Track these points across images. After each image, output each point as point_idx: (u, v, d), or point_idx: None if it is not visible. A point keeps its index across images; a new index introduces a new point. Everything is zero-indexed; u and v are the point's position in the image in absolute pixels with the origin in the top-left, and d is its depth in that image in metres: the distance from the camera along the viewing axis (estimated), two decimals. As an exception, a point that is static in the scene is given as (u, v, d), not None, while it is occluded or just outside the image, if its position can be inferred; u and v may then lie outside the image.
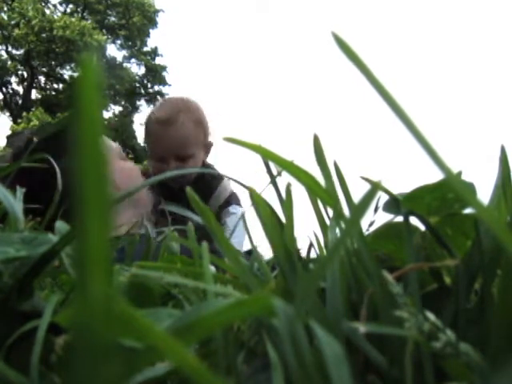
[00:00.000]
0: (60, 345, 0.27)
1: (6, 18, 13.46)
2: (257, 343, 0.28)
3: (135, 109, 16.09)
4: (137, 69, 16.07)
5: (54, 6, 14.67)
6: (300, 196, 0.34)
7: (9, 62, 14.56)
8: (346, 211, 0.31)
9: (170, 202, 1.44)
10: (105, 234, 0.12)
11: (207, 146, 1.53)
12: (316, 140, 0.33)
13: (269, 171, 0.37)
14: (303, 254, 0.40)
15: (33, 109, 13.09)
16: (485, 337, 0.24)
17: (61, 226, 0.37)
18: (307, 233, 0.39)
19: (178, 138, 1.44)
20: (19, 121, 12.72)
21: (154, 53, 16.30)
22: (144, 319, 0.15)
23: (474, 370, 0.20)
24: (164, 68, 16.10)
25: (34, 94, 15.16)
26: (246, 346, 0.28)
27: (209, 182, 1.47)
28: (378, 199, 0.37)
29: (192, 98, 1.63)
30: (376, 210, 0.39)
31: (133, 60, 15.98)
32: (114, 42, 15.85)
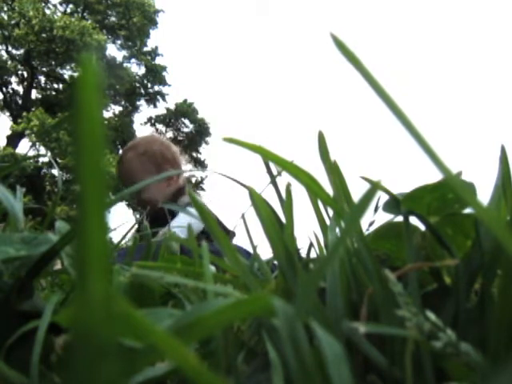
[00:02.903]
0: (60, 345, 0.27)
1: (6, 17, 13.45)
2: (257, 343, 0.28)
3: (135, 109, 16.08)
4: (137, 69, 16.07)
5: (54, 5, 14.65)
6: (300, 196, 0.34)
7: (9, 62, 14.54)
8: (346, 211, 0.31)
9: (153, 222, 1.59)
10: (104, 233, 0.12)
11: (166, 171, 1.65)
12: (321, 137, 0.33)
13: (269, 171, 0.37)
14: (303, 253, 0.40)
15: (33, 109, 13.07)
16: (485, 337, 0.24)
17: (61, 225, 0.37)
18: (307, 233, 0.39)
19: (125, 173, 1.66)
20: (19, 121, 12.70)
21: (154, 53, 16.28)
22: (144, 319, 0.15)
23: (474, 369, 0.20)
24: (164, 68, 16.09)
25: (34, 94, 15.15)
26: (246, 346, 0.28)
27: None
28: (378, 199, 0.37)
29: (153, 134, 1.82)
30: (376, 209, 0.39)
31: (133, 60, 15.96)
32: (114, 42, 15.82)
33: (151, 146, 1.67)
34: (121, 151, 1.78)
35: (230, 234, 1.52)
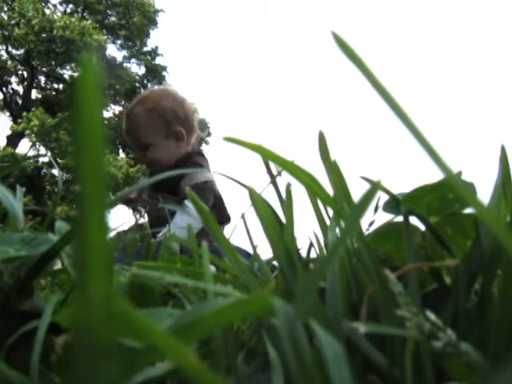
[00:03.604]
0: (60, 345, 0.27)
1: (5, 17, 13.45)
2: (257, 343, 0.28)
3: (135, 109, 16.06)
4: (137, 69, 16.07)
5: (54, 5, 14.65)
6: (300, 196, 0.34)
7: (9, 62, 14.54)
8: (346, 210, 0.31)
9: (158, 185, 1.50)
10: (104, 234, 0.12)
11: (175, 134, 1.53)
12: (321, 137, 0.33)
13: (269, 171, 0.37)
14: (303, 253, 0.40)
15: (33, 109, 13.07)
16: (485, 337, 0.24)
17: (61, 225, 0.37)
18: (307, 233, 0.39)
19: (132, 129, 1.52)
20: (19, 121, 12.70)
21: (154, 53, 16.29)
22: (144, 319, 0.15)
23: (474, 369, 0.20)
24: (164, 68, 16.09)
25: (34, 94, 15.15)
26: (246, 346, 0.28)
27: (182, 168, 1.46)
28: (378, 199, 0.37)
29: (168, 87, 1.67)
30: (376, 209, 0.39)
31: (133, 60, 15.97)
32: (114, 42, 15.83)
33: (162, 102, 1.52)
34: (130, 104, 1.59)
35: (226, 219, 1.49)
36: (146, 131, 1.50)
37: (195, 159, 1.55)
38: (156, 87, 1.67)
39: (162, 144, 1.51)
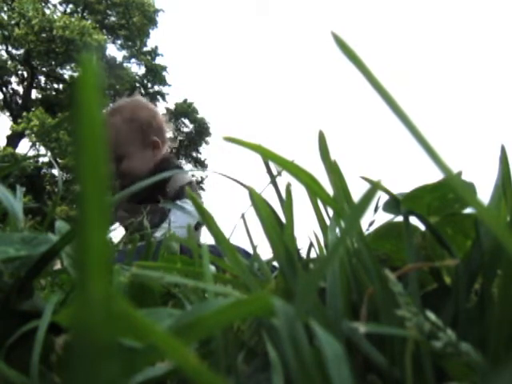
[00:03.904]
0: (60, 345, 0.27)
1: (5, 17, 13.45)
2: (257, 343, 0.28)
3: (135, 109, 16.04)
4: (137, 69, 16.08)
5: (54, 5, 14.66)
6: (300, 196, 0.34)
7: (9, 62, 14.54)
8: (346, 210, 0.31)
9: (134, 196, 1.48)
10: (104, 234, 0.12)
11: (152, 143, 1.54)
12: (321, 136, 0.33)
13: (269, 171, 0.37)
14: (303, 254, 0.40)
15: (33, 109, 13.07)
16: (485, 337, 0.24)
17: (61, 225, 0.37)
18: (307, 233, 0.39)
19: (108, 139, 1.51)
20: (19, 121, 12.70)
21: (154, 53, 16.30)
22: (144, 319, 0.15)
23: (474, 369, 0.20)
24: (164, 68, 16.11)
25: (34, 94, 15.15)
26: (246, 346, 0.28)
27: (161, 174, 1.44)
28: (378, 199, 0.37)
29: (139, 98, 1.67)
30: (376, 209, 0.39)
31: (133, 60, 15.97)
32: (113, 42, 15.83)
33: (139, 113, 1.54)
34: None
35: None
36: (124, 142, 1.50)
37: (174, 162, 1.57)
38: (128, 98, 1.66)
39: (139, 154, 1.52)
